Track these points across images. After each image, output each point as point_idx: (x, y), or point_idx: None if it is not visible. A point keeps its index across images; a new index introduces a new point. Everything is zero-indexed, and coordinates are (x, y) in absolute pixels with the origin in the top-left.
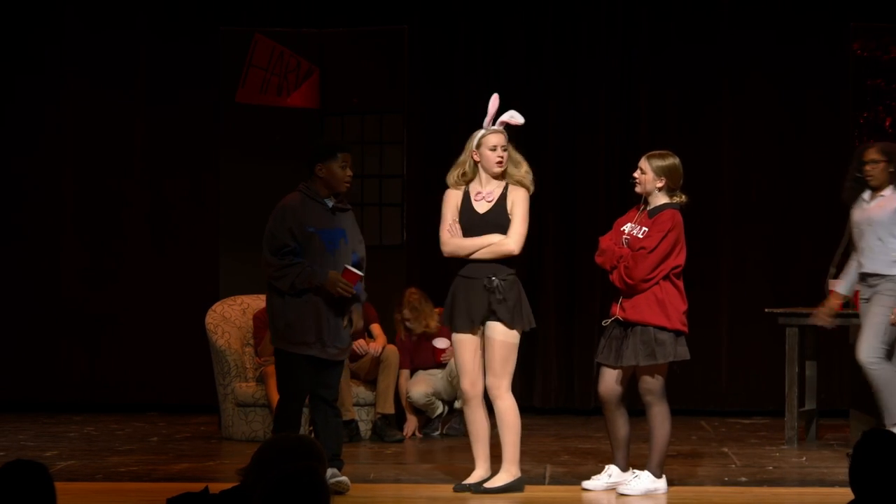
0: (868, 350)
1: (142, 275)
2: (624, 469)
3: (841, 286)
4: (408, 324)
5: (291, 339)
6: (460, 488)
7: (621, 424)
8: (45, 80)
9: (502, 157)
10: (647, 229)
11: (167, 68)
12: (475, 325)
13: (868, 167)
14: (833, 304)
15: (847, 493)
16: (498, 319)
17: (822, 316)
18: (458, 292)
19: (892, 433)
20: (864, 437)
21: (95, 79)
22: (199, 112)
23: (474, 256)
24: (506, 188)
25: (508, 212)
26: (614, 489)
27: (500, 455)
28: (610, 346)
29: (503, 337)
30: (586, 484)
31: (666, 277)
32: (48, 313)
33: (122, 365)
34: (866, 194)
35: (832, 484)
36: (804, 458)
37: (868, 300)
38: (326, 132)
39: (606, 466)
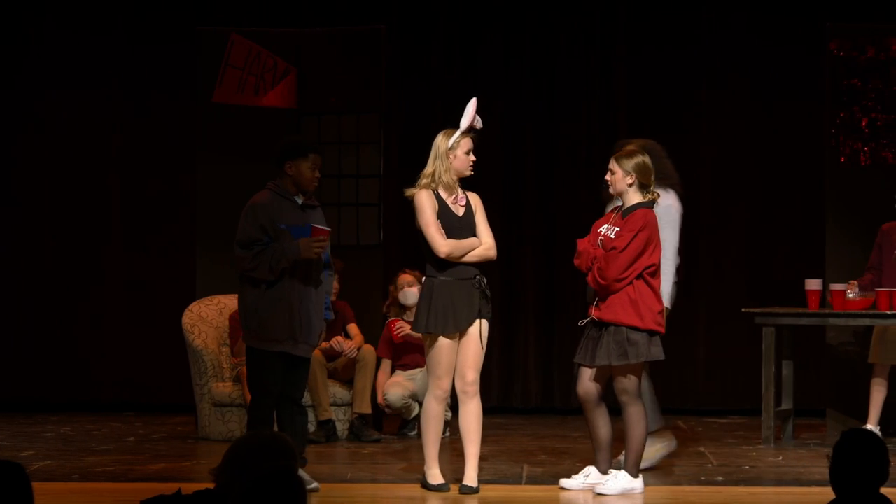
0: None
1: (118, 274)
2: (604, 472)
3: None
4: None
5: (264, 337)
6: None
7: (602, 425)
8: (24, 80)
9: (474, 161)
10: (619, 229)
11: (144, 68)
12: (471, 323)
13: None
14: None
15: (823, 492)
16: (483, 317)
17: None
18: (444, 294)
19: (872, 433)
20: (843, 436)
21: (73, 79)
22: (176, 112)
23: (464, 259)
24: (464, 192)
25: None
26: (591, 489)
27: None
28: (587, 346)
29: (485, 334)
30: (564, 483)
31: (639, 277)
32: (24, 313)
33: (99, 365)
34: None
35: (808, 483)
36: (780, 458)
37: None
38: (303, 132)
39: (585, 467)
